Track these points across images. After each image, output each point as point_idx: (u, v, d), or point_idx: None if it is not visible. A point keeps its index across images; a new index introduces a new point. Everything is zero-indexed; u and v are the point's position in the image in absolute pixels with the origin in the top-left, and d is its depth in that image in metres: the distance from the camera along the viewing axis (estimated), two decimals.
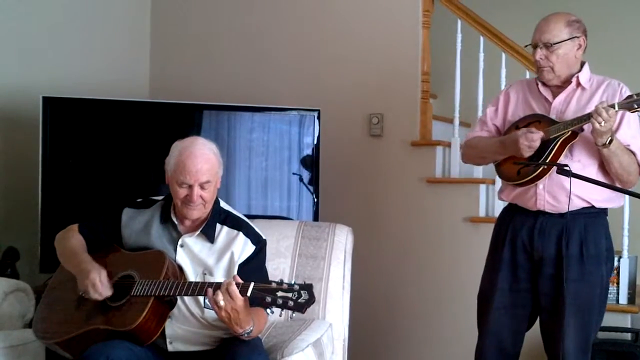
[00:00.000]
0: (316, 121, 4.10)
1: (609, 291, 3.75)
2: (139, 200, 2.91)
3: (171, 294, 2.54)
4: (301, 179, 4.15)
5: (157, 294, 2.54)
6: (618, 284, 3.82)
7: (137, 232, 2.80)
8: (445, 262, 4.11)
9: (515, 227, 2.96)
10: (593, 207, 2.86)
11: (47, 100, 3.87)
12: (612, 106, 2.64)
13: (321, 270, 3.26)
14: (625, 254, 3.86)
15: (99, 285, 2.61)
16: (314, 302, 2.35)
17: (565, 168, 2.69)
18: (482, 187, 4.11)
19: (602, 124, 2.62)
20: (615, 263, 3.81)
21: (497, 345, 3.00)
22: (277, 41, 4.65)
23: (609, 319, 3.73)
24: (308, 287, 2.35)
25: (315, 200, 4.11)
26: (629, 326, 3.77)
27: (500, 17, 4.72)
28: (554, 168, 2.76)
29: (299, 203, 4.16)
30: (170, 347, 2.67)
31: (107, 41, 4.75)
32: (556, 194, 2.83)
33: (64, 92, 4.07)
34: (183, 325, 2.66)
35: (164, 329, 2.63)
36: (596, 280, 2.86)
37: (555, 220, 2.86)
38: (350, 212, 4.23)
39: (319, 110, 4.12)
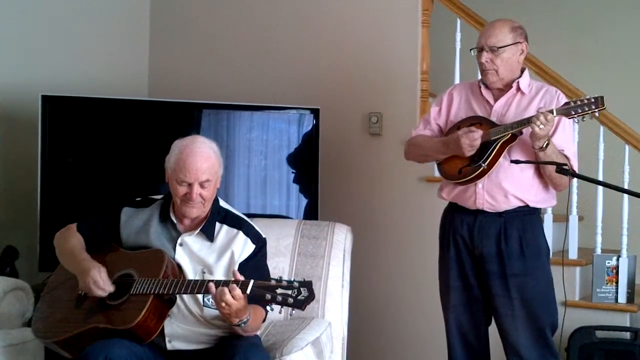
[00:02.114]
0: (315, 120, 4.11)
1: (608, 290, 3.80)
2: (138, 199, 2.91)
3: (170, 292, 2.54)
4: (300, 178, 4.15)
5: (156, 293, 2.54)
6: (617, 283, 3.82)
7: (136, 231, 2.80)
8: None
9: (456, 225, 3.09)
10: (528, 206, 2.98)
11: (46, 99, 3.86)
12: (551, 112, 2.77)
13: (320, 269, 3.27)
14: (624, 253, 3.86)
15: (100, 281, 2.61)
16: (313, 299, 2.36)
17: (565, 167, 2.76)
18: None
19: (541, 127, 2.74)
20: (614, 262, 3.83)
21: (462, 342, 3.13)
22: (276, 40, 4.64)
23: (607, 318, 3.75)
24: (307, 284, 2.36)
25: (315, 199, 4.11)
26: (628, 325, 3.76)
27: (500, 15, 4.69)
28: (494, 168, 2.90)
29: (298, 202, 4.17)
30: (169, 346, 2.67)
31: (106, 39, 4.74)
32: (494, 194, 2.96)
33: (63, 90, 4.07)
34: (182, 324, 2.66)
35: (163, 328, 2.63)
36: (539, 272, 2.99)
37: (494, 219, 2.99)
38: (350, 211, 4.22)
39: (318, 109, 4.12)
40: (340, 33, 4.46)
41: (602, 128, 3.92)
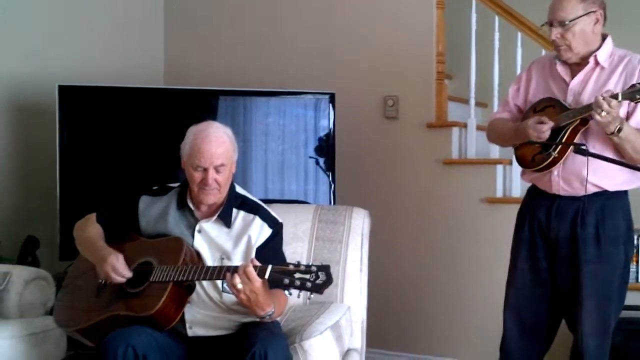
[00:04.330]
0: (331, 104, 4.10)
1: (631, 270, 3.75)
2: (155, 187, 2.91)
3: (189, 278, 2.55)
4: (317, 163, 4.15)
5: (175, 279, 2.55)
6: (638, 262, 3.79)
7: (154, 219, 2.81)
8: (463, 243, 4.10)
9: (534, 208, 2.95)
10: (606, 191, 2.81)
11: (62, 89, 3.89)
12: (616, 96, 2.57)
13: (338, 254, 3.26)
14: None
15: (119, 267, 2.63)
16: (331, 282, 2.36)
17: (582, 147, 2.66)
18: (499, 167, 4.09)
19: (603, 115, 2.56)
20: (636, 241, 3.78)
21: (518, 323, 3.00)
22: (292, 24, 4.64)
23: (629, 298, 3.69)
24: (325, 268, 2.36)
25: (332, 183, 4.11)
26: None
27: None
28: (567, 155, 2.74)
29: (315, 187, 4.17)
30: (189, 332, 2.68)
31: (122, 28, 4.76)
32: (570, 181, 2.81)
33: (80, 79, 4.09)
34: (202, 310, 2.67)
35: (183, 314, 2.64)
36: (614, 261, 2.82)
37: (572, 202, 2.83)
38: (367, 195, 4.22)
39: (333, 94, 4.11)
40: (355, 16, 4.45)
41: None
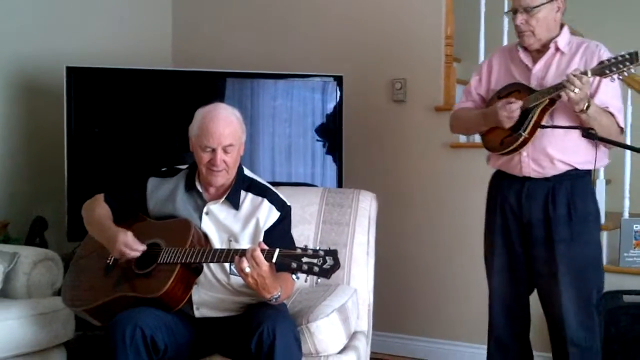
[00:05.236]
0: (338, 87, 4.09)
1: (636, 255, 3.77)
2: (163, 169, 2.92)
3: (197, 261, 2.56)
4: (325, 146, 4.15)
5: (183, 262, 2.56)
6: None
7: (162, 201, 2.82)
8: (470, 226, 4.08)
9: (504, 192, 3.02)
10: (576, 169, 2.90)
11: (70, 70, 3.88)
12: (585, 73, 2.67)
13: (345, 237, 3.27)
14: None
15: (130, 242, 2.65)
16: (339, 267, 2.37)
17: (591, 131, 2.71)
18: None
19: (576, 91, 2.65)
20: (637, 227, 3.80)
21: (503, 307, 3.09)
22: (300, 7, 4.61)
23: (635, 282, 3.73)
24: (333, 253, 2.37)
25: (339, 166, 4.11)
26: None
27: None
28: (535, 135, 2.82)
29: (322, 170, 4.17)
30: (197, 313, 2.70)
31: (130, 9, 4.75)
32: (540, 161, 2.89)
33: (88, 61, 4.09)
34: (209, 292, 2.69)
35: (190, 296, 2.66)
36: (587, 239, 2.92)
37: (542, 184, 2.92)
38: (374, 178, 4.22)
39: (341, 76, 4.10)
40: None
41: (630, 91, 3.86)
